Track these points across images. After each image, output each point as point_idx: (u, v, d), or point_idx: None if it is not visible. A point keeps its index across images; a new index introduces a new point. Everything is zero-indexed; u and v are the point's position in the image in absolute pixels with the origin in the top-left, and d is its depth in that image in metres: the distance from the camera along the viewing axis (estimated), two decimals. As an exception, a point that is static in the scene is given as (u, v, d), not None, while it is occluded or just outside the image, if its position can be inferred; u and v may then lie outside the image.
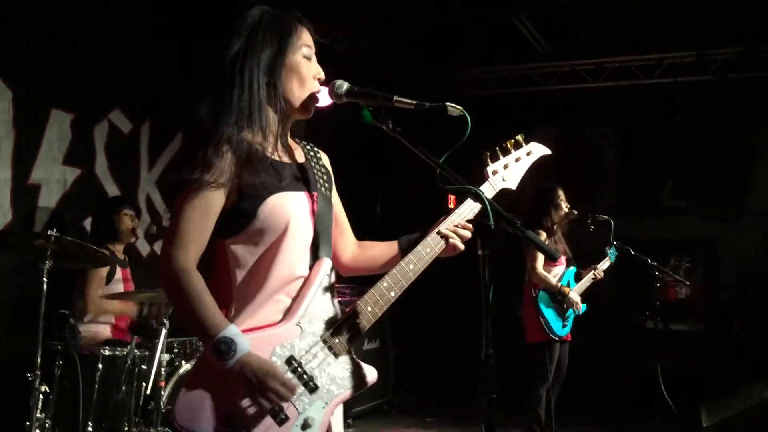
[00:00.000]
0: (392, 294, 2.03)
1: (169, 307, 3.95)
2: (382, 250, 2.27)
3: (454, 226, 2.15)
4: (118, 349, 4.08)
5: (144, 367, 4.06)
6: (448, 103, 2.00)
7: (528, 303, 5.46)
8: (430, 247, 2.11)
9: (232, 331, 1.82)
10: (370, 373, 2.06)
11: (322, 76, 2.10)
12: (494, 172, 2.27)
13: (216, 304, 1.87)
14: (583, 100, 8.08)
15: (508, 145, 2.32)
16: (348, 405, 6.19)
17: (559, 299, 5.35)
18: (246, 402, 1.84)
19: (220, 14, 5.57)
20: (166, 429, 3.87)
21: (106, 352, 4.03)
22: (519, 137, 2.35)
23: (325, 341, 1.95)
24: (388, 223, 8.35)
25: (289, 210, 1.95)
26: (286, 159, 2.06)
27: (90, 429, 3.90)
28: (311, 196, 2.05)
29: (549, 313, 5.34)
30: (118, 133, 5.42)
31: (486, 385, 1.87)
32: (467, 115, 1.97)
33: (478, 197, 2.00)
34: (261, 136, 1.99)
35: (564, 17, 6.61)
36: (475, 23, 6.66)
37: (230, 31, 2.05)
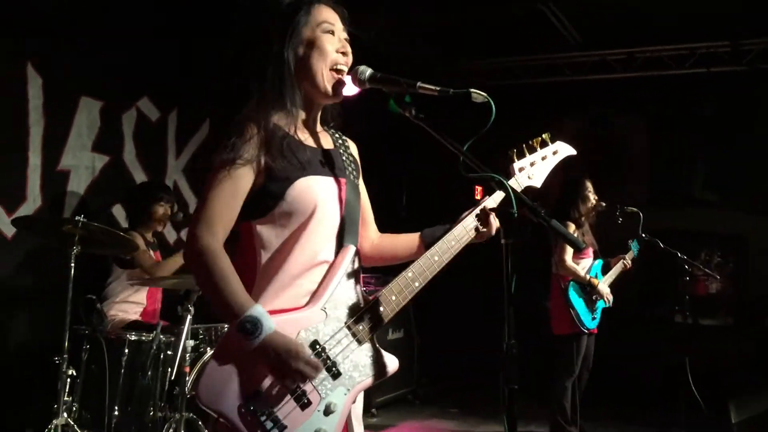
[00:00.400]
0: (416, 284, 2.03)
1: (195, 292, 3.97)
2: (405, 242, 2.28)
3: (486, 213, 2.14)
4: (144, 334, 4.12)
5: (169, 352, 4.09)
6: (472, 90, 1.98)
7: (556, 295, 5.42)
8: (456, 240, 2.11)
9: (258, 310, 1.81)
10: (392, 363, 2.05)
11: (347, 49, 2.09)
12: (521, 169, 2.28)
13: (242, 283, 1.86)
14: (613, 90, 7.97)
15: (535, 143, 2.32)
16: (371, 394, 6.23)
17: (588, 291, 5.31)
18: (270, 382, 1.84)
19: (249, 6, 5.61)
20: (191, 414, 3.90)
21: (133, 337, 4.08)
22: (545, 136, 2.35)
23: (348, 327, 1.96)
24: (413, 211, 8.33)
25: (317, 194, 1.96)
26: (314, 144, 2.07)
27: (116, 413, 3.96)
28: (339, 182, 2.05)
29: (579, 306, 5.29)
30: (147, 121, 5.46)
31: (507, 375, 1.86)
32: (491, 102, 1.95)
33: (501, 185, 1.96)
34: (290, 118, 2.01)
35: (594, 6, 6.51)
36: (505, 12, 6.59)
37: (264, 24, 2.09)
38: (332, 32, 2.06)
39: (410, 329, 6.95)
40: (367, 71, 2.04)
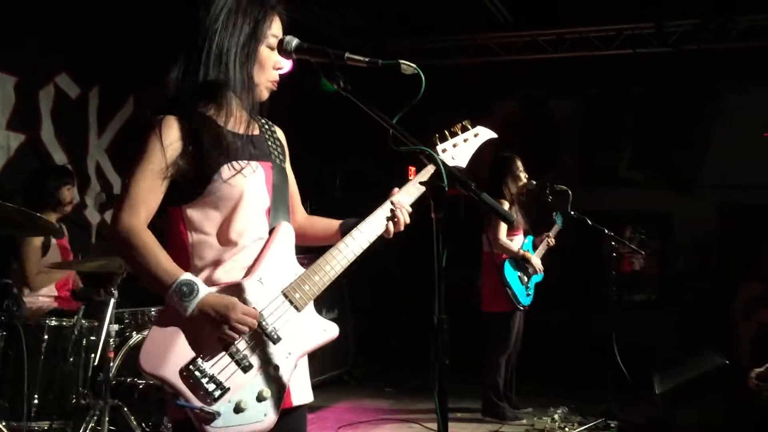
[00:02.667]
0: (351, 255, 2.11)
1: (117, 276, 3.84)
2: (324, 227, 2.36)
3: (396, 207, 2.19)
4: (65, 319, 3.96)
5: (92, 338, 3.96)
6: (401, 61, 1.95)
7: (489, 272, 5.48)
8: (381, 215, 2.17)
9: (190, 275, 1.89)
10: (332, 329, 2.12)
11: (282, 66, 2.13)
12: (443, 150, 2.34)
13: (169, 256, 1.93)
14: (543, 71, 8.07)
15: (456, 129, 2.37)
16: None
17: (523, 267, 5.39)
18: (211, 346, 1.90)
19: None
20: (116, 401, 3.78)
21: (52, 323, 3.91)
22: (465, 122, 2.40)
23: (285, 295, 2.01)
24: (346, 191, 8.29)
25: (245, 177, 2.01)
26: (241, 130, 2.09)
27: (36, 401, 3.79)
28: (266, 165, 2.11)
29: (515, 283, 5.36)
30: (66, 98, 5.22)
31: (439, 350, 1.84)
32: (421, 73, 1.93)
33: (431, 158, 1.96)
34: (220, 110, 2.06)
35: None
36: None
37: (204, 4, 2.06)
38: (273, 48, 2.09)
39: (344, 309, 6.93)
40: (293, 41, 2.02)
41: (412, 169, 8.97)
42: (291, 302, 2.01)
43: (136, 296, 4.25)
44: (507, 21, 7.37)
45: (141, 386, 3.94)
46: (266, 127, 2.22)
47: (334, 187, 8.25)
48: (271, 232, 2.08)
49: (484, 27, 7.57)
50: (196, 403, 1.85)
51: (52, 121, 5.10)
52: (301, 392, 2.11)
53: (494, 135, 2.45)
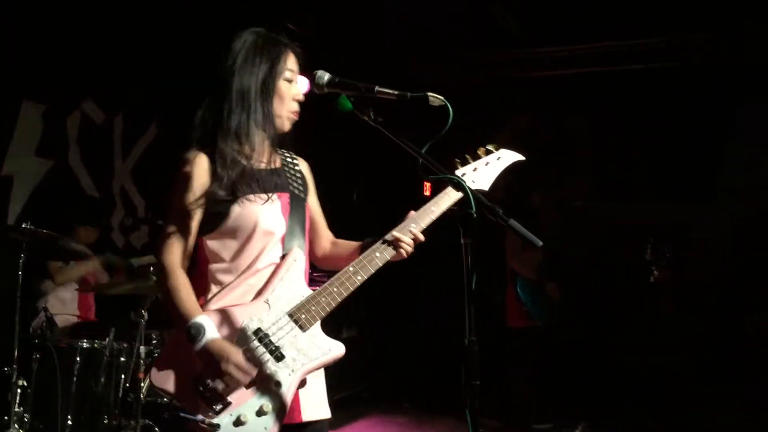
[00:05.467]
0: (358, 278, 2.21)
1: (147, 299, 3.94)
2: (347, 248, 2.49)
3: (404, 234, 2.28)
4: (97, 341, 4.05)
5: (122, 359, 4.05)
6: (429, 93, 2.03)
7: (511, 287, 5.54)
8: (390, 240, 2.27)
9: (204, 318, 2.07)
10: (337, 348, 2.19)
11: (302, 97, 2.30)
12: (463, 175, 2.40)
13: (193, 296, 2.14)
14: (556, 87, 8.12)
15: (479, 152, 2.43)
16: (326, 392, 6.24)
17: (539, 285, 5.45)
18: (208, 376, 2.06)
19: (194, 8, 5.55)
20: (147, 421, 3.86)
21: (85, 345, 4.00)
22: (490, 146, 2.45)
23: (291, 315, 2.13)
24: (364, 211, 8.36)
25: (259, 210, 2.19)
26: (263, 164, 2.27)
27: (69, 422, 3.88)
28: (284, 196, 2.28)
29: (527, 299, 5.42)
30: (91, 124, 5.34)
31: (469, 371, 1.91)
32: (449, 105, 2.00)
33: (459, 186, 2.02)
34: (242, 147, 2.23)
35: (536, 3, 6.63)
36: (449, 8, 6.64)
37: (225, 49, 2.26)
38: (291, 81, 2.27)
39: (363, 327, 7.00)
40: (325, 76, 2.10)
41: (427, 184, 9.05)
42: (297, 322, 2.13)
43: (164, 318, 4.34)
44: (519, 38, 7.44)
45: (172, 406, 4.02)
46: (288, 160, 2.39)
47: (352, 201, 8.33)
48: (283, 257, 2.23)
49: (497, 44, 7.65)
50: (198, 415, 2.00)
51: (79, 146, 5.22)
52: (313, 408, 2.21)
53: (520, 158, 2.47)
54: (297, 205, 2.31)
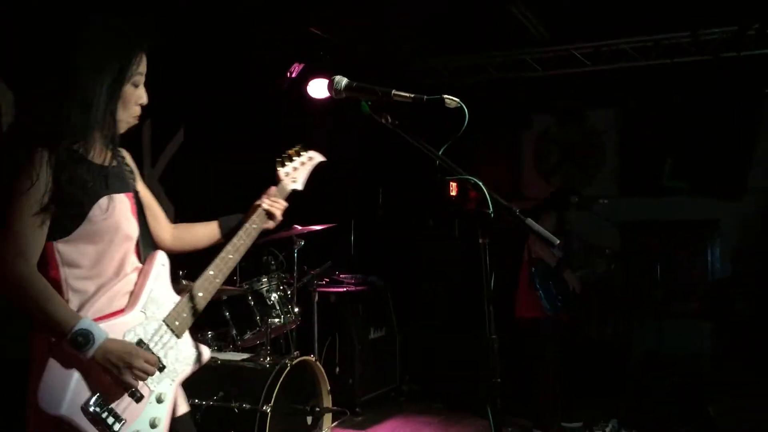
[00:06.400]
0: (218, 280, 2.27)
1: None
2: (204, 232, 2.50)
3: (271, 200, 2.47)
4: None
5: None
6: (445, 96, 2.06)
7: (524, 278, 5.59)
8: (246, 236, 2.38)
9: (87, 322, 1.95)
10: (206, 351, 2.31)
11: (145, 101, 2.24)
12: (286, 174, 2.59)
13: (63, 301, 1.99)
14: (582, 84, 8.09)
15: (292, 153, 2.63)
16: (356, 392, 6.31)
17: (559, 278, 5.47)
18: (106, 382, 2.00)
19: (219, 14, 5.64)
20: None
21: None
22: (298, 147, 2.65)
23: (167, 324, 2.16)
24: (390, 210, 8.41)
25: (118, 211, 2.11)
26: (105, 162, 2.15)
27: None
28: (129, 196, 2.21)
29: (545, 289, 5.48)
30: (121, 131, 5.45)
31: (490, 369, 1.94)
32: (464, 107, 2.03)
33: (477, 186, 2.05)
34: (86, 144, 2.10)
35: (558, 1, 6.61)
36: (471, 8, 6.66)
37: (73, 33, 2.11)
38: (138, 85, 2.19)
39: (391, 328, 7.03)
40: (343, 81, 2.14)
41: (453, 184, 9.06)
42: (172, 330, 2.16)
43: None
44: (542, 36, 7.43)
45: (203, 407, 4.10)
46: (116, 152, 2.24)
47: (377, 205, 8.38)
48: (145, 260, 2.22)
49: (520, 42, 7.65)
50: None
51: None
52: (180, 404, 2.30)
53: (323, 158, 2.70)
54: (139, 204, 2.27)
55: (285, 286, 5.03)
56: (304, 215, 5.33)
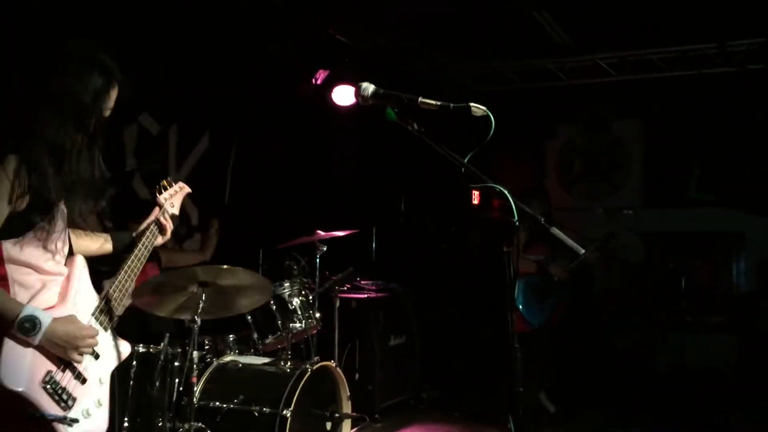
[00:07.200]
0: (128, 283, 2.54)
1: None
2: (96, 243, 2.71)
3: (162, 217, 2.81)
4: (152, 347, 4.17)
5: (176, 363, 4.16)
6: (471, 104, 2.07)
7: None
8: (142, 250, 2.67)
9: (30, 309, 2.15)
10: (127, 345, 2.58)
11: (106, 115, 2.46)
12: (165, 200, 2.96)
13: (4, 290, 2.18)
14: (607, 94, 8.06)
15: (166, 183, 3.04)
16: (375, 399, 6.30)
17: (543, 284, 5.54)
18: (56, 365, 2.21)
19: (241, 19, 5.69)
20: (199, 424, 3.96)
21: (141, 349, 4.13)
22: (170, 178, 3.08)
23: (96, 318, 2.40)
24: (410, 217, 8.42)
25: (61, 217, 2.32)
26: (71, 171, 2.33)
27: (126, 425, 4.01)
28: (60, 203, 2.37)
29: (521, 302, 5.56)
30: (148, 135, 5.53)
31: (513, 378, 1.94)
32: (491, 116, 2.04)
33: (502, 194, 2.06)
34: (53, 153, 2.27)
35: (584, 10, 6.59)
36: (495, 17, 6.66)
37: (54, 55, 2.33)
38: (106, 116, 2.42)
39: (411, 334, 7.01)
40: (369, 88, 2.15)
41: (476, 192, 9.04)
42: (100, 323, 2.40)
43: (214, 323, 4.46)
44: (567, 45, 7.41)
45: (224, 410, 4.13)
46: (88, 162, 2.43)
47: (399, 212, 8.39)
48: (66, 262, 2.41)
49: (545, 52, 7.63)
50: (59, 412, 2.15)
51: (135, 157, 5.40)
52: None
53: (189, 190, 3.13)
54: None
55: (307, 291, 5.05)
56: (326, 221, 5.36)
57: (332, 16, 6.01)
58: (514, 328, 1.94)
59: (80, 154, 2.33)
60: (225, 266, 3.73)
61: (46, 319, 2.15)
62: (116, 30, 5.11)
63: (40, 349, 2.17)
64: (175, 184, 3.10)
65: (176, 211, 3.01)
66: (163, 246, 4.83)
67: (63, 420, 2.14)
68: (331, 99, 6.38)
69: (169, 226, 2.86)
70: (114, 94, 2.44)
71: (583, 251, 1.89)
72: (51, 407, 2.14)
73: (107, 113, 2.43)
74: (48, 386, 2.14)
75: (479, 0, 6.24)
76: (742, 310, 7.83)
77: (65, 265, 2.41)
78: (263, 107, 6.20)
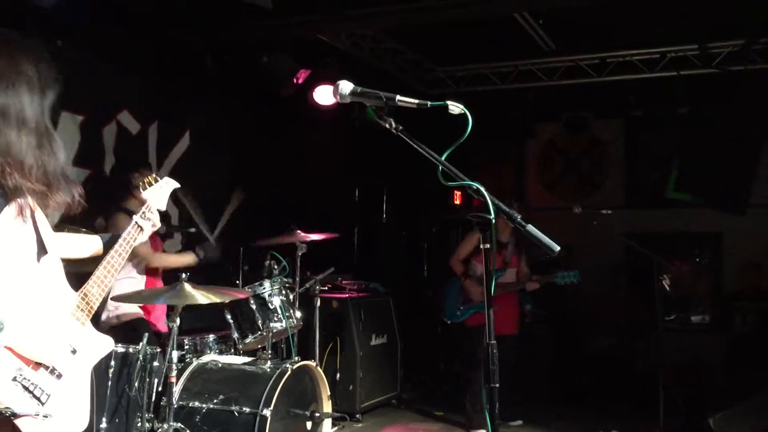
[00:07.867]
0: (108, 279, 2.51)
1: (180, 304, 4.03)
2: (89, 245, 2.73)
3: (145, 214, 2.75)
4: (131, 346, 4.14)
5: (155, 363, 4.13)
6: (449, 102, 2.07)
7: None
8: (124, 246, 2.63)
9: None
10: (109, 340, 2.50)
11: None
12: (149, 196, 2.87)
13: None
14: (588, 95, 8.11)
15: (151, 179, 2.94)
16: (356, 398, 6.31)
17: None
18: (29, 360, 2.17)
19: (227, 18, 5.67)
20: (179, 424, 3.94)
21: (119, 349, 4.09)
22: (155, 174, 3.00)
23: (73, 314, 2.35)
24: (393, 215, 8.43)
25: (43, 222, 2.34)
26: (31, 180, 2.24)
27: (103, 425, 3.97)
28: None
29: (446, 296, 6.07)
30: (127, 134, 5.49)
31: (488, 374, 1.94)
32: (468, 114, 2.04)
33: (479, 192, 2.06)
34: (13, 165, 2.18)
35: (565, 12, 6.62)
36: (477, 19, 6.67)
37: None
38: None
39: (393, 335, 7.02)
40: (348, 87, 2.13)
41: (458, 193, 9.07)
42: (78, 319, 2.36)
43: (193, 323, 4.45)
44: (549, 47, 7.44)
45: (203, 410, 4.11)
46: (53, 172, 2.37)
47: (381, 212, 8.40)
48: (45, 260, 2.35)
49: (527, 54, 7.66)
50: (32, 409, 2.11)
51: (115, 156, 5.36)
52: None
53: (178, 185, 3.00)
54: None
55: (287, 291, 5.04)
56: (308, 222, 5.35)
57: (315, 17, 6.00)
58: (492, 324, 1.94)
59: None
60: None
61: (8, 322, 2.09)
62: (99, 26, 5.09)
63: (13, 350, 2.13)
64: (161, 179, 3.04)
65: (163, 207, 2.96)
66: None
67: (36, 416, 2.12)
68: (313, 98, 6.40)
69: (155, 221, 2.83)
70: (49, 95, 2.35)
71: (558, 248, 1.89)
72: (23, 403, 2.11)
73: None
74: (19, 382, 2.10)
75: (462, 2, 6.25)
76: (721, 310, 7.92)
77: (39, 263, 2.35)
78: (245, 106, 6.18)
